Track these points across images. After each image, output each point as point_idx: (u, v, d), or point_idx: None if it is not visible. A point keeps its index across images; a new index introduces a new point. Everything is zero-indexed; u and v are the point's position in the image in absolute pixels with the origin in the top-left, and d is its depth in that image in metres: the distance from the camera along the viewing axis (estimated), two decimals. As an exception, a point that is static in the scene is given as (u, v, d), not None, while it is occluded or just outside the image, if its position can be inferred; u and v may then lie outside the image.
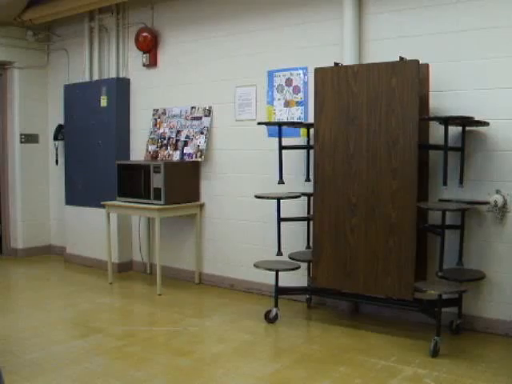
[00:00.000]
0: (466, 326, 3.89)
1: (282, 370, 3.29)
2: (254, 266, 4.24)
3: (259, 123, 4.53)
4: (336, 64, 4.08)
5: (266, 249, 4.76)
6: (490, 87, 3.79)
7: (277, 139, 4.29)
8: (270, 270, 4.17)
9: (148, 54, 5.73)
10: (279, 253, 4.17)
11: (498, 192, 3.79)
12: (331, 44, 4.46)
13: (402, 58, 3.75)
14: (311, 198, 4.25)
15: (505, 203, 3.76)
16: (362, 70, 3.85)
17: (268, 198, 4.20)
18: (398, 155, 3.68)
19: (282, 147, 4.27)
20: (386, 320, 4.17)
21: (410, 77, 3.62)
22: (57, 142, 6.62)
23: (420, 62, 3.66)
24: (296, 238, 4.62)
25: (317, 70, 4.04)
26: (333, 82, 3.94)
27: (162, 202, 5.06)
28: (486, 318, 3.88)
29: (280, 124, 4.34)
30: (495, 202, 3.76)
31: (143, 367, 3.32)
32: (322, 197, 4.01)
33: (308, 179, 4.40)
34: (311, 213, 4.25)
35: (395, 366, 3.30)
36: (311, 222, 4.22)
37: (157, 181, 5.10)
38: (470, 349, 3.59)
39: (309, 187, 4.31)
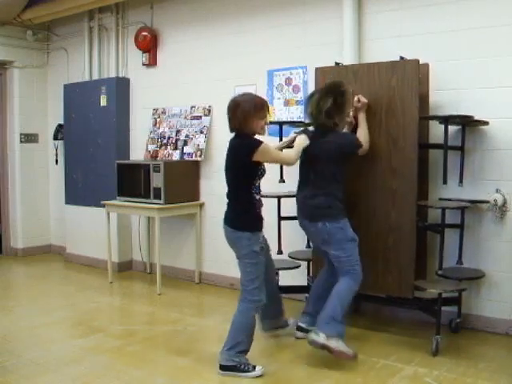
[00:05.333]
0: (466, 324, 3.89)
1: (283, 369, 3.29)
2: (254, 265, 4.23)
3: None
4: (337, 64, 4.08)
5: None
6: (490, 86, 3.79)
7: (277, 138, 4.29)
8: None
9: (148, 54, 5.73)
10: (279, 252, 4.17)
11: (497, 191, 3.79)
12: (331, 43, 4.46)
13: (402, 58, 3.76)
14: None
15: (504, 202, 3.76)
16: (362, 70, 3.85)
17: (268, 196, 4.19)
18: (398, 154, 3.68)
19: (281, 146, 4.27)
20: (386, 319, 4.17)
21: (410, 76, 3.62)
22: (56, 142, 6.62)
23: (420, 62, 3.66)
24: (296, 236, 4.60)
25: (317, 70, 4.04)
26: (333, 82, 3.93)
27: (161, 201, 5.06)
28: (485, 317, 3.88)
29: (280, 123, 4.34)
30: (495, 200, 3.76)
31: (143, 367, 3.33)
32: (321, 196, 4.00)
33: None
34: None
35: (395, 364, 3.31)
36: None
37: (157, 180, 5.10)
38: (470, 347, 3.60)
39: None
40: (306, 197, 3.55)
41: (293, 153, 3.42)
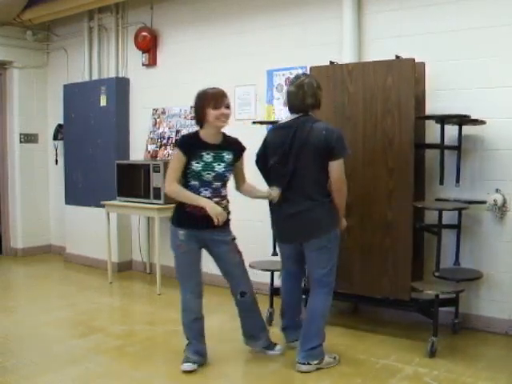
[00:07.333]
0: (466, 324, 3.89)
1: (282, 370, 3.29)
2: (249, 266, 4.22)
3: (254, 122, 4.54)
4: (331, 63, 4.07)
5: (262, 248, 4.73)
6: (490, 86, 3.79)
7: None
8: (265, 270, 4.16)
9: (147, 54, 5.73)
10: (274, 253, 4.15)
11: (497, 191, 3.79)
12: (331, 43, 4.46)
13: (397, 57, 3.75)
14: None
15: (504, 202, 3.76)
16: (357, 69, 3.84)
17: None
18: (394, 154, 3.67)
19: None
20: (385, 320, 4.17)
21: (406, 75, 3.61)
22: (56, 142, 6.63)
23: (417, 61, 3.65)
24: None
25: (312, 69, 4.04)
26: (328, 81, 3.91)
27: (161, 201, 5.06)
28: (485, 317, 3.88)
29: (275, 123, 4.33)
30: (495, 201, 3.76)
31: (143, 367, 3.33)
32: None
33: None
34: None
35: (395, 365, 3.31)
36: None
37: (156, 180, 5.10)
38: (469, 347, 3.60)
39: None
40: (290, 214, 3.24)
41: (184, 192, 3.16)
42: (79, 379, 3.14)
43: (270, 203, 3.37)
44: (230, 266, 3.34)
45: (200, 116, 3.16)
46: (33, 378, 3.15)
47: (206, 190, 3.16)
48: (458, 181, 3.78)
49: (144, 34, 5.67)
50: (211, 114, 3.09)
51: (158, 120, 5.72)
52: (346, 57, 4.29)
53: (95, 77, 6.22)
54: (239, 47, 5.08)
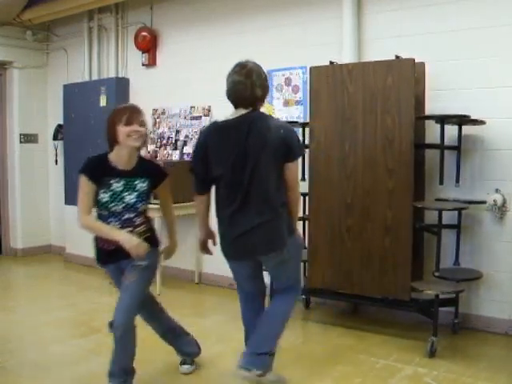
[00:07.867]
0: (466, 324, 3.89)
1: (282, 370, 3.27)
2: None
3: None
4: (331, 63, 4.07)
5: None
6: (490, 86, 3.79)
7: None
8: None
9: (147, 54, 5.73)
10: None
11: (497, 191, 3.79)
12: (331, 43, 4.46)
13: (397, 57, 3.75)
14: (306, 197, 4.18)
15: (504, 202, 3.76)
16: (357, 69, 3.84)
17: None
18: (394, 154, 3.67)
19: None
20: (385, 320, 4.17)
21: (406, 75, 3.61)
22: (56, 142, 6.63)
23: (417, 61, 3.65)
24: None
25: (312, 69, 4.04)
26: (328, 81, 3.92)
27: (161, 201, 5.04)
28: (485, 317, 3.88)
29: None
30: (495, 201, 3.76)
31: (143, 367, 3.32)
32: (317, 197, 3.99)
33: (303, 179, 4.37)
34: (306, 213, 4.23)
35: (395, 365, 3.31)
36: (306, 222, 4.21)
37: (156, 180, 5.09)
38: (469, 347, 3.60)
39: (304, 187, 4.29)
40: (251, 227, 2.73)
41: (100, 226, 2.85)
42: (79, 379, 3.15)
43: (219, 215, 2.86)
44: (123, 287, 2.85)
45: (110, 136, 2.75)
46: (33, 378, 3.15)
47: (115, 221, 2.78)
48: (457, 181, 3.78)
49: (144, 34, 5.67)
50: (121, 131, 2.70)
51: (157, 120, 5.72)
52: (346, 57, 4.29)
53: (95, 77, 6.22)
54: (239, 47, 5.07)
